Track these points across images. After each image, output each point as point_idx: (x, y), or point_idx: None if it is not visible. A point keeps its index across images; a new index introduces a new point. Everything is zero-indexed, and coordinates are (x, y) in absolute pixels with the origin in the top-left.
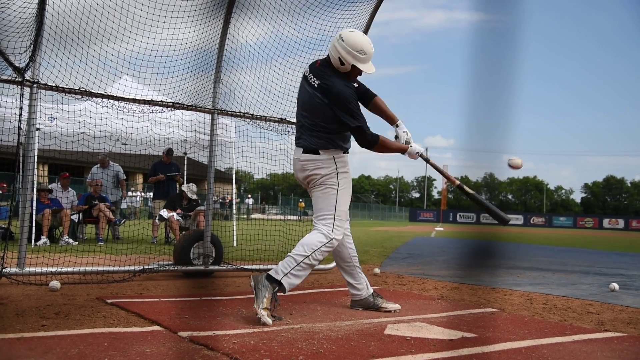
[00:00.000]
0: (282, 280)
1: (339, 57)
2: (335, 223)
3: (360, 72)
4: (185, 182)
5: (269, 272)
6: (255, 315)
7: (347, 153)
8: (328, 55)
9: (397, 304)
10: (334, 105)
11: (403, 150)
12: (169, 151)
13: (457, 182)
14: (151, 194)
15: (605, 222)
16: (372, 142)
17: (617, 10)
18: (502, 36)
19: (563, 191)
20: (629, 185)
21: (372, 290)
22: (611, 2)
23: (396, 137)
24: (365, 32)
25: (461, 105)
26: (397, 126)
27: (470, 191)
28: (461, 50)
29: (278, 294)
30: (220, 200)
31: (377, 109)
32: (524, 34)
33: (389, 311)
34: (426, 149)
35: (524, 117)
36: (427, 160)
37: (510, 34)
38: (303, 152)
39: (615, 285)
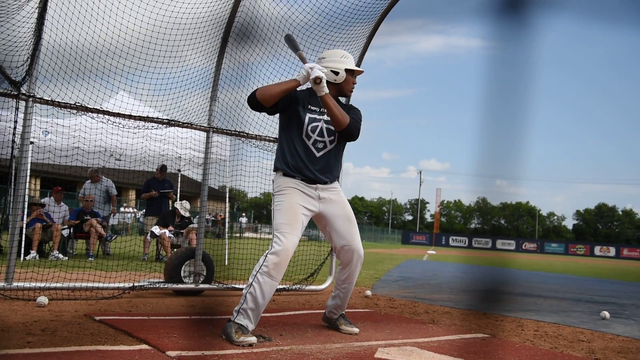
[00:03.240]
0: (236, 320)
1: (331, 70)
2: (274, 240)
3: (353, 79)
4: (178, 199)
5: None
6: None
7: (289, 176)
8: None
9: (357, 328)
10: None
11: (294, 82)
12: (163, 167)
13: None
14: (143, 210)
15: (597, 250)
16: (252, 96)
17: (624, 30)
18: (506, 62)
19: (555, 217)
20: (620, 213)
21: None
22: (618, 24)
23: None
24: (362, 55)
25: (472, 131)
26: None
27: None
28: (473, 74)
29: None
30: (213, 218)
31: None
32: (527, 61)
33: (347, 334)
34: (420, 172)
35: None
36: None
37: (509, 59)
38: None
39: (607, 314)
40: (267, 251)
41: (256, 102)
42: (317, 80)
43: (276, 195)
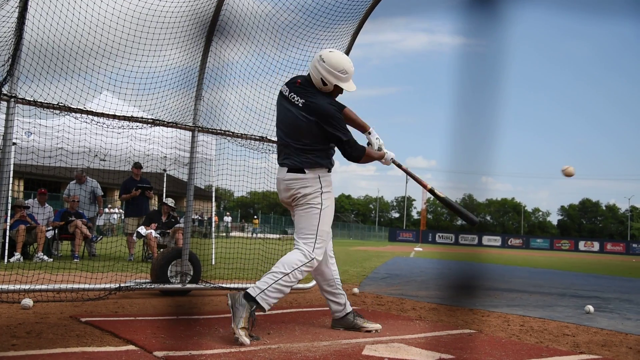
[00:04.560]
0: (258, 299)
1: (321, 78)
2: (316, 243)
3: (341, 91)
4: (164, 198)
5: (247, 290)
6: (232, 335)
7: (331, 172)
8: (308, 74)
9: (378, 324)
10: (322, 122)
11: (381, 157)
12: (137, 164)
13: (429, 186)
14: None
15: (581, 245)
16: (360, 155)
17: (599, 19)
18: (486, 58)
19: (540, 213)
20: (604, 208)
21: (351, 309)
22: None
23: (369, 144)
24: (347, 53)
25: (446, 127)
26: (370, 133)
27: (442, 195)
28: (447, 71)
29: (257, 312)
30: (199, 218)
31: (348, 119)
32: (507, 57)
33: (370, 331)
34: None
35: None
36: (399, 166)
37: (493, 57)
38: (288, 171)
39: (591, 308)
40: (310, 253)
41: (356, 161)
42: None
43: (325, 194)
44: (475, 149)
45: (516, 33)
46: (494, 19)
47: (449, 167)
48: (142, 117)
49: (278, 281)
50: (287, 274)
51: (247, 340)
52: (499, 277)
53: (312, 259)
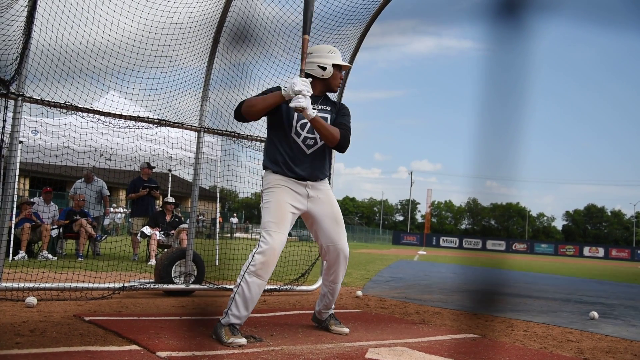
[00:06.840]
0: (224, 322)
1: (318, 65)
2: (261, 238)
3: (341, 74)
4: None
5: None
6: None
7: (278, 174)
8: None
9: (347, 328)
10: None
11: (279, 98)
12: (149, 164)
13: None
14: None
15: (586, 250)
16: (237, 111)
17: (618, 32)
18: (503, 65)
19: (545, 218)
20: (609, 214)
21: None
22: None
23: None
24: (354, 55)
25: (470, 134)
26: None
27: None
28: (467, 77)
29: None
30: (203, 218)
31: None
32: (532, 69)
33: (338, 334)
34: (411, 173)
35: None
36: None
37: (506, 62)
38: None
39: (595, 314)
40: (254, 250)
41: (242, 118)
42: (299, 110)
43: (265, 193)
44: (501, 156)
45: (541, 45)
46: (518, 29)
47: (458, 172)
48: (148, 117)
49: (234, 295)
50: (239, 284)
51: (242, 340)
52: (503, 281)
53: (254, 256)
